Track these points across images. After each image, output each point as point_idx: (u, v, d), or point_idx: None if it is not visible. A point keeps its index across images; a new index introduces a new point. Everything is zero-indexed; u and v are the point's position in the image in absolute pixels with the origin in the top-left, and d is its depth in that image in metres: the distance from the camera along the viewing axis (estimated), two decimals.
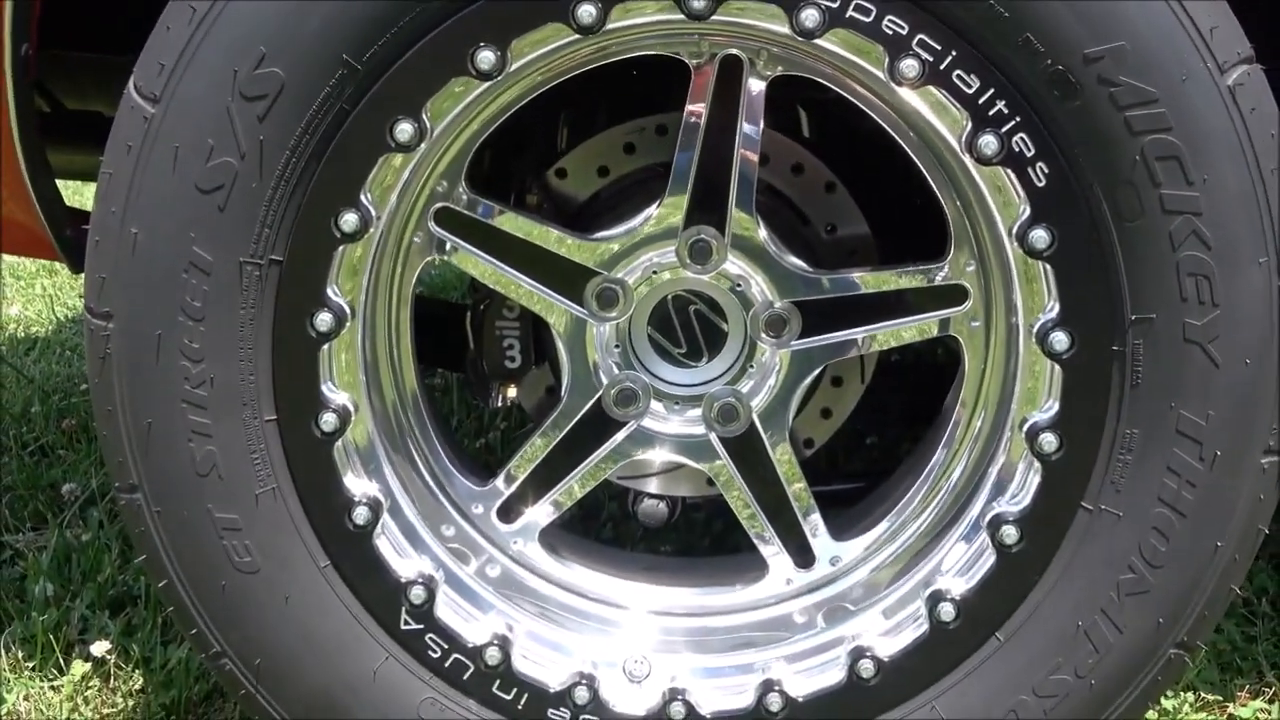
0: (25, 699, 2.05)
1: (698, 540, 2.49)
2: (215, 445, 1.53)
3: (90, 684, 2.08)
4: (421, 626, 1.61)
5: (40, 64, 1.71)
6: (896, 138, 1.55)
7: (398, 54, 1.43)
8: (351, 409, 1.58)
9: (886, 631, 1.64)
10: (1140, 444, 1.50)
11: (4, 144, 1.68)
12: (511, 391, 1.93)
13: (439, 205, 1.59)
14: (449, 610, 1.63)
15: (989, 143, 1.45)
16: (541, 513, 1.73)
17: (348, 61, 1.43)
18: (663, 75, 1.66)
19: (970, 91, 1.44)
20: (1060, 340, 1.50)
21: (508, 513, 1.73)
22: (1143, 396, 1.49)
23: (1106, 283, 1.47)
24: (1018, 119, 1.44)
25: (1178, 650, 1.56)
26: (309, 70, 1.43)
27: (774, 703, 1.61)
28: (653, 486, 1.91)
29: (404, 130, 1.47)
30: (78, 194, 4.29)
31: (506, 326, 1.86)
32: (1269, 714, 2.00)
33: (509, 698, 1.62)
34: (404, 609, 1.60)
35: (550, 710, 1.62)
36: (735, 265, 1.62)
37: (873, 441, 2.80)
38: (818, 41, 1.45)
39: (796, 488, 1.70)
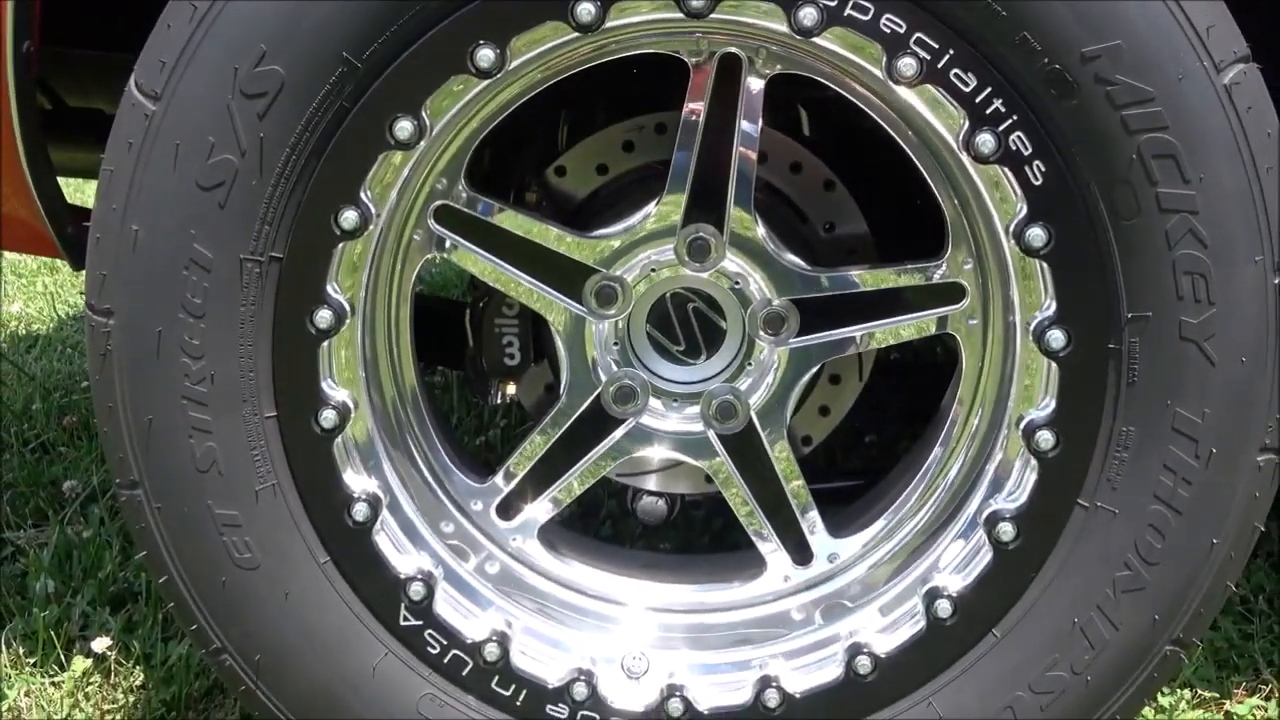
0: (26, 695, 2.05)
1: (697, 538, 2.49)
2: (215, 442, 1.53)
3: (91, 680, 2.09)
4: (420, 622, 1.62)
5: (42, 61, 1.72)
6: (895, 136, 1.56)
7: (397, 52, 1.44)
8: (351, 406, 1.59)
9: (884, 628, 1.64)
10: (1136, 442, 1.51)
11: (6, 141, 1.68)
12: (511, 389, 1.93)
13: (439, 203, 1.60)
14: (448, 606, 1.64)
15: (986, 141, 1.45)
16: (540, 510, 1.74)
17: (348, 59, 1.43)
18: (662, 73, 1.67)
19: (968, 90, 1.44)
20: (1057, 338, 1.51)
21: (507, 509, 1.73)
22: (1139, 394, 1.50)
23: (1103, 281, 1.47)
24: (1015, 117, 1.44)
25: (1174, 647, 1.57)
26: (309, 68, 1.44)
27: (771, 699, 1.62)
28: (651, 484, 1.92)
29: (404, 128, 1.47)
30: (79, 191, 4.29)
31: (506, 324, 1.86)
32: (1265, 711, 2.00)
33: (508, 694, 1.63)
34: (403, 605, 1.61)
35: (549, 706, 1.63)
36: (734, 263, 1.63)
37: (871, 440, 2.81)
38: (816, 40, 1.45)
39: (794, 485, 1.71)
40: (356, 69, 1.44)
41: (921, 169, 1.56)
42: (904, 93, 1.47)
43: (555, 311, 1.65)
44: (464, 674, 1.62)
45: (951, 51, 1.43)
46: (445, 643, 1.62)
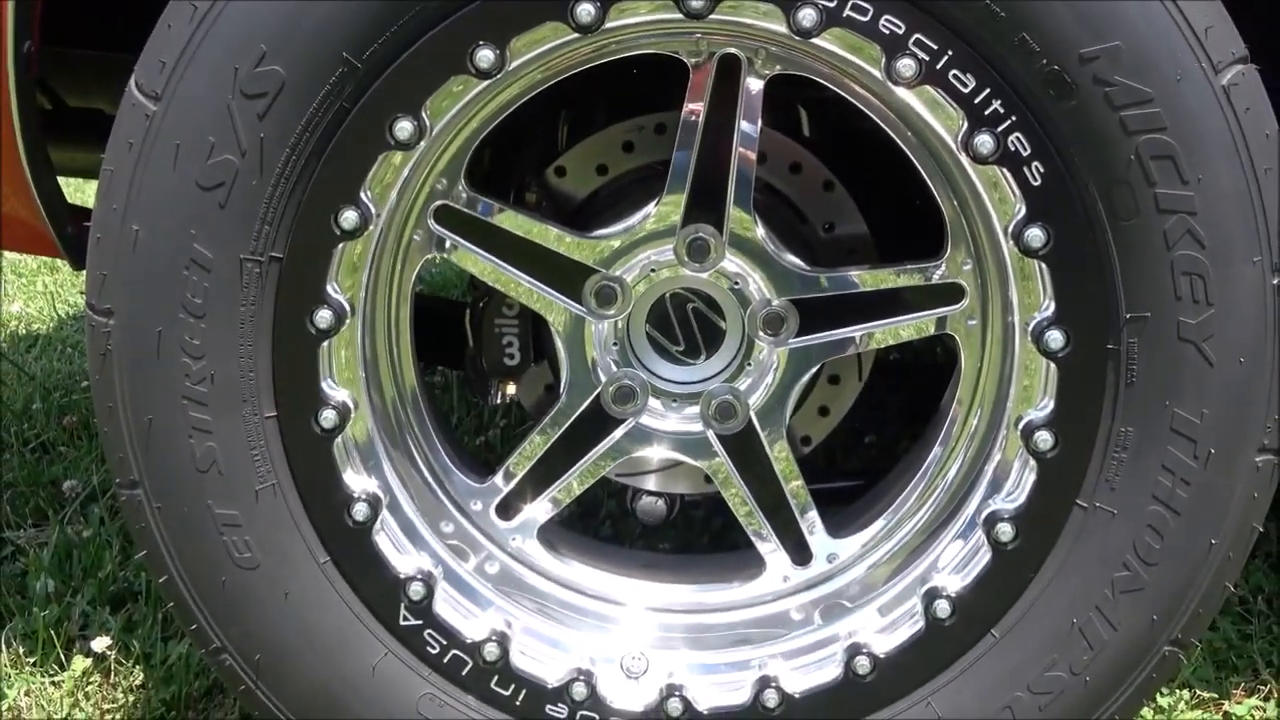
0: (26, 694, 2.05)
1: (696, 538, 2.49)
2: (215, 441, 1.54)
3: (91, 680, 2.09)
4: (420, 622, 1.62)
5: (42, 61, 1.72)
6: (894, 136, 1.56)
7: (397, 52, 1.44)
8: (351, 406, 1.59)
9: (883, 628, 1.64)
10: (1135, 442, 1.51)
11: (6, 141, 1.68)
12: (510, 389, 1.94)
13: (439, 203, 1.60)
14: (448, 606, 1.64)
15: (985, 142, 1.46)
16: (540, 509, 1.74)
17: (348, 60, 1.44)
18: (661, 74, 1.67)
19: (966, 91, 1.44)
20: (1056, 339, 1.51)
21: (506, 509, 1.73)
22: (1137, 395, 1.50)
23: (1101, 281, 1.47)
24: (1014, 118, 1.44)
25: (1172, 647, 1.57)
26: (309, 68, 1.44)
27: (770, 699, 1.62)
28: (651, 484, 1.92)
29: (404, 128, 1.47)
30: (79, 191, 4.30)
31: (505, 324, 1.86)
32: (1264, 711, 2.01)
33: (507, 694, 1.63)
34: (403, 605, 1.61)
35: (548, 706, 1.63)
36: (733, 263, 1.63)
37: (871, 440, 2.81)
38: (815, 41, 1.46)
39: (794, 485, 1.71)
40: (357, 69, 1.44)
41: (920, 170, 1.56)
42: (903, 93, 1.47)
43: (555, 312, 1.65)
44: (464, 674, 1.62)
45: (950, 52, 1.43)
46: (445, 642, 1.62)
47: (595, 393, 1.68)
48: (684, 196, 1.60)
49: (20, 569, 2.42)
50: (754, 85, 1.56)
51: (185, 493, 1.55)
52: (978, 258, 1.59)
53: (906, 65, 1.44)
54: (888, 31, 1.43)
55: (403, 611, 1.61)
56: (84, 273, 1.55)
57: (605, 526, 2.56)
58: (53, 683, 2.09)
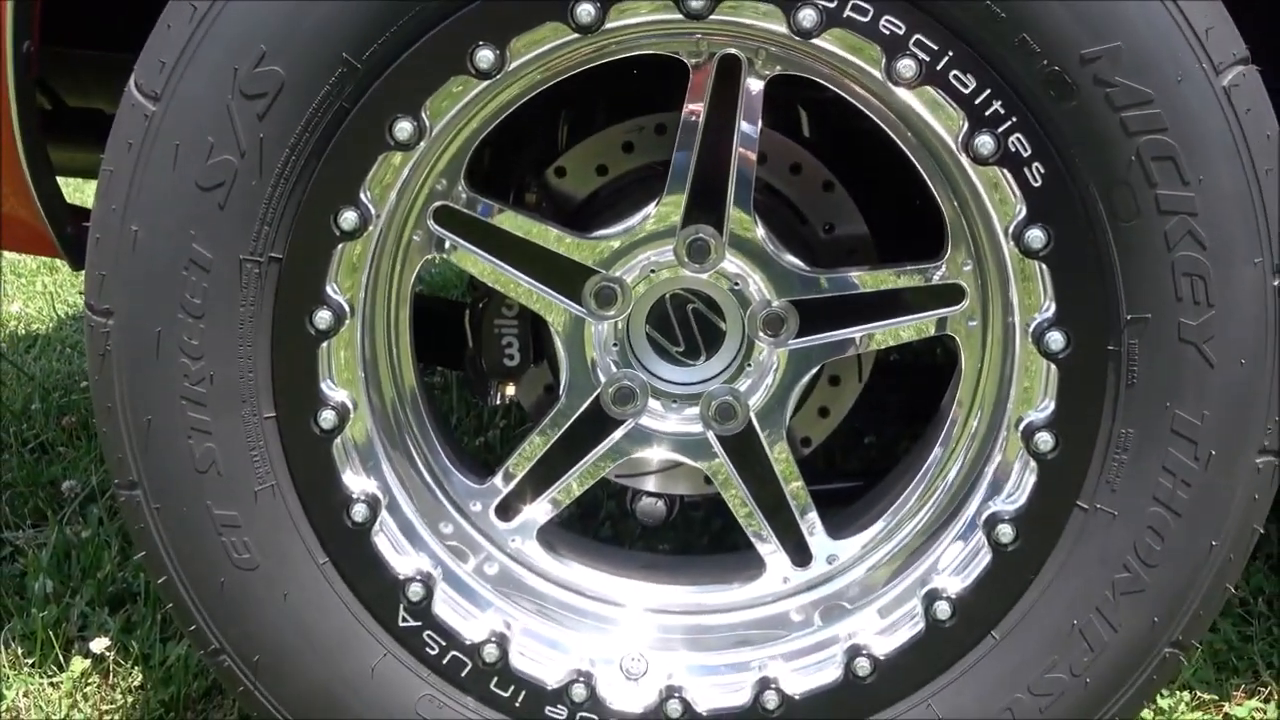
0: (25, 695, 2.05)
1: (696, 539, 2.49)
2: (214, 442, 1.53)
3: (90, 681, 2.09)
4: (419, 623, 1.62)
5: (42, 61, 1.72)
6: (894, 137, 1.56)
7: (397, 53, 1.44)
8: (350, 406, 1.59)
9: (883, 630, 1.64)
10: (1135, 443, 1.51)
11: (5, 141, 1.68)
12: (510, 389, 1.93)
13: (438, 203, 1.60)
14: (447, 607, 1.64)
15: (985, 142, 1.45)
16: (539, 510, 1.74)
17: (347, 60, 1.44)
18: (661, 75, 1.67)
19: (967, 91, 1.44)
20: (1056, 340, 1.51)
21: (506, 510, 1.73)
22: (1138, 396, 1.50)
23: (1102, 282, 1.47)
24: (1014, 119, 1.44)
25: (1173, 649, 1.56)
26: (309, 68, 1.44)
27: (770, 700, 1.62)
28: (651, 485, 1.91)
29: (403, 128, 1.47)
30: (78, 191, 4.29)
31: (505, 325, 1.86)
32: (1264, 713, 2.00)
33: (506, 695, 1.63)
34: (402, 606, 1.61)
35: (548, 708, 1.63)
36: (733, 264, 1.63)
37: (871, 441, 2.81)
38: (815, 41, 1.45)
39: (794, 486, 1.71)
40: (356, 69, 1.44)
41: (921, 170, 1.56)
42: (903, 94, 1.47)
43: (555, 312, 1.65)
44: (463, 675, 1.62)
45: (951, 53, 1.43)
46: (444, 644, 1.62)
47: (595, 394, 1.68)
48: (684, 197, 1.59)
49: (19, 569, 2.42)
50: (754, 86, 1.56)
51: (184, 493, 1.55)
52: (978, 259, 1.59)
53: (907, 66, 1.44)
54: (888, 32, 1.43)
55: (402, 612, 1.61)
56: (83, 273, 1.55)
57: (605, 528, 2.55)
58: (51, 684, 2.08)
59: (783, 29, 1.45)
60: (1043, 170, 1.45)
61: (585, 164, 1.86)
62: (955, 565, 1.62)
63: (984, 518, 1.60)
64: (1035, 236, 1.48)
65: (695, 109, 1.57)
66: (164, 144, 1.46)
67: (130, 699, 2.05)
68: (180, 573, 1.57)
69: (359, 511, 1.59)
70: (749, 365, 1.68)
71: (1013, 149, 1.45)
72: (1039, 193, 1.46)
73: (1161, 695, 2.01)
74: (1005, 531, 1.57)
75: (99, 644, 2.12)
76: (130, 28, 1.65)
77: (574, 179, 1.86)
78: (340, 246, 1.52)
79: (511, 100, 1.55)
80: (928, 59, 1.44)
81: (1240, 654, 2.13)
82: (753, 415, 1.68)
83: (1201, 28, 1.41)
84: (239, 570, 1.57)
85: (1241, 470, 1.51)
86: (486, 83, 1.47)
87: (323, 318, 1.53)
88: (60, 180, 1.86)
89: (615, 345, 1.68)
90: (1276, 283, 1.46)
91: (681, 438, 1.72)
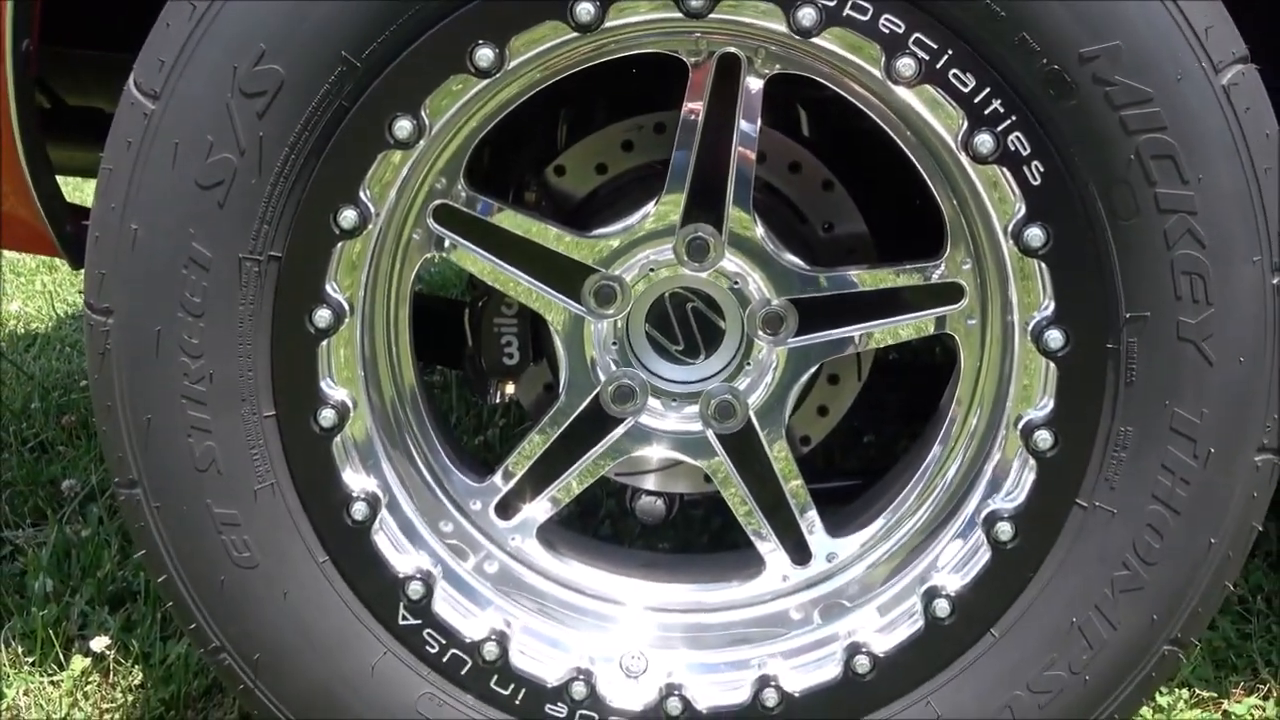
0: (25, 694, 2.05)
1: (695, 538, 2.49)
2: (214, 441, 1.54)
3: (90, 679, 2.09)
4: (419, 622, 1.62)
5: (41, 60, 1.72)
6: (893, 136, 1.56)
7: (396, 51, 1.44)
8: (350, 405, 1.59)
9: (882, 628, 1.64)
10: (1135, 441, 1.51)
11: (5, 140, 1.68)
12: (510, 388, 1.94)
13: (438, 202, 1.60)
14: (447, 606, 1.64)
15: (985, 141, 1.46)
16: (539, 509, 1.74)
17: (347, 59, 1.44)
18: (661, 73, 1.67)
19: (966, 90, 1.44)
20: (1055, 338, 1.51)
21: (506, 509, 1.73)
22: (1137, 394, 1.50)
23: (1101, 281, 1.47)
24: (1013, 118, 1.44)
25: (1172, 646, 1.57)
26: (308, 67, 1.44)
27: (770, 698, 1.62)
28: (650, 483, 1.92)
29: (403, 127, 1.47)
30: (77, 191, 4.29)
31: (505, 323, 1.86)
32: (1263, 710, 2.01)
33: (506, 693, 1.63)
34: (402, 604, 1.61)
35: (548, 705, 1.63)
36: (733, 263, 1.63)
37: (870, 440, 2.81)
38: (815, 40, 1.45)
39: (793, 485, 1.71)
40: (356, 68, 1.44)
41: (920, 169, 1.56)
42: (903, 93, 1.47)
43: (554, 311, 1.65)
44: (463, 673, 1.62)
45: (950, 52, 1.43)
46: (444, 642, 1.62)
47: (594, 392, 1.68)
48: (683, 196, 1.60)
49: (19, 568, 2.42)
50: (753, 84, 1.56)
51: (184, 492, 1.55)
52: (977, 257, 1.59)
53: (906, 65, 1.44)
54: (887, 31, 1.43)
55: (402, 611, 1.61)
56: (83, 272, 1.55)
57: (605, 526, 2.56)
58: (51, 682, 2.08)
59: (782, 28, 1.45)
60: (1042, 169, 1.45)
61: (585, 163, 1.86)
62: (954, 563, 1.62)
63: (983, 515, 1.60)
64: (1034, 235, 1.48)
65: (695, 108, 1.57)
66: (163, 142, 1.46)
67: (131, 697, 2.05)
68: (180, 571, 1.57)
69: (359, 510, 1.59)
70: (748, 364, 1.69)
71: (1012, 148, 1.45)
72: (1038, 191, 1.46)
73: (1160, 693, 2.01)
74: (1004, 529, 1.57)
75: (99, 643, 2.12)
76: (129, 27, 1.65)
77: (573, 178, 1.86)
78: (340, 245, 1.52)
79: (511, 99, 1.55)
80: (927, 58, 1.44)
81: (1239, 651, 2.13)
82: (752, 414, 1.68)
83: (1201, 26, 1.41)
84: (239, 568, 1.57)
85: (1240, 468, 1.51)
86: (486, 81, 1.48)
87: (322, 316, 1.53)
88: (59, 179, 1.86)
89: (615, 344, 1.68)
90: (1275, 281, 1.46)
91: (681, 436, 1.72)
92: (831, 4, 1.43)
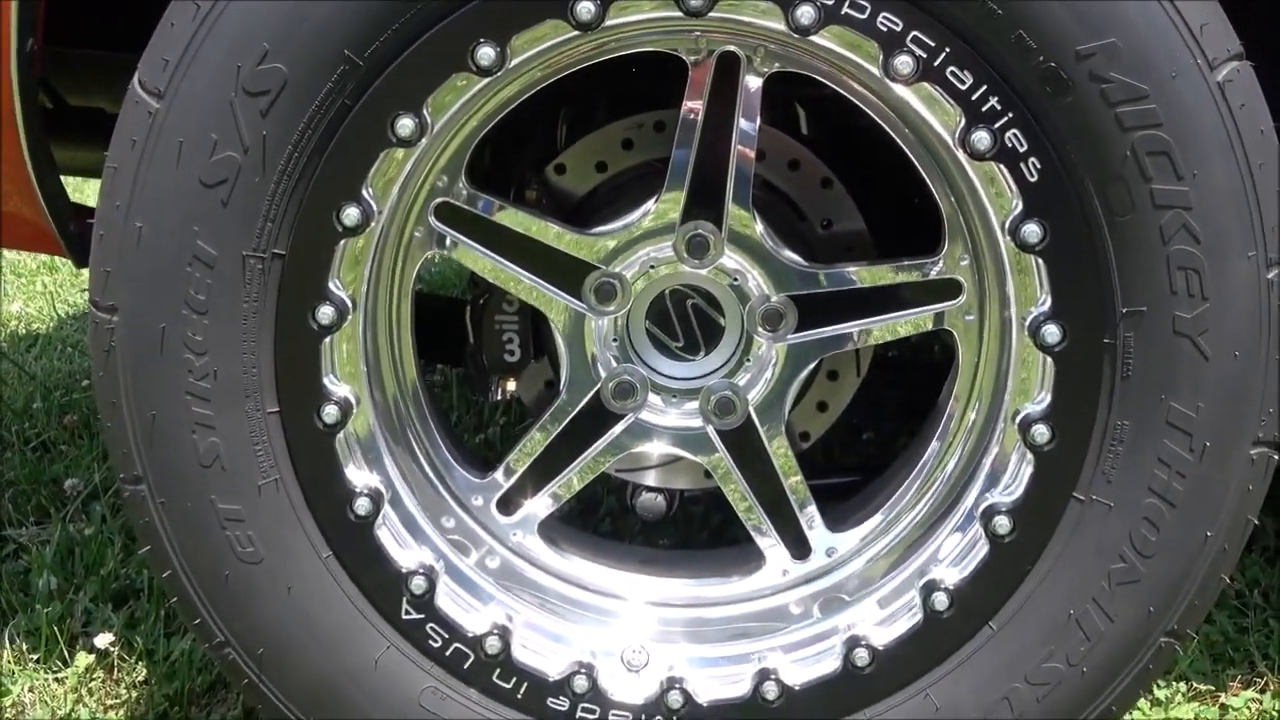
0: (30, 691, 2.06)
1: (695, 534, 2.51)
2: (218, 437, 1.55)
3: (94, 676, 2.10)
4: (422, 616, 1.63)
5: (43, 61, 1.73)
6: (891, 133, 1.57)
7: (399, 50, 1.45)
8: (353, 401, 1.60)
9: (881, 621, 1.65)
10: (1131, 435, 1.52)
11: (9, 140, 1.69)
12: (511, 385, 1.95)
13: (439, 200, 1.61)
14: (449, 600, 1.65)
15: (982, 138, 1.47)
16: (540, 505, 1.75)
17: (349, 58, 1.45)
18: (661, 72, 1.68)
19: (964, 88, 1.45)
20: (1052, 333, 1.52)
21: (507, 505, 1.74)
22: (1133, 388, 1.51)
23: (1098, 276, 1.49)
24: (1010, 115, 1.45)
25: (1168, 639, 1.58)
26: (311, 66, 1.45)
27: (770, 691, 1.63)
28: (651, 479, 1.93)
29: (405, 125, 1.48)
30: (77, 191, 4.30)
31: (506, 321, 1.87)
32: (1260, 703, 2.02)
33: (509, 687, 1.64)
34: (405, 599, 1.62)
35: (550, 699, 1.64)
36: (732, 260, 1.64)
37: (869, 437, 2.82)
38: (813, 38, 1.47)
39: (793, 480, 1.72)
40: (358, 67, 1.45)
41: (918, 166, 1.57)
42: (901, 90, 1.48)
43: (555, 308, 1.66)
44: (465, 667, 1.64)
45: (948, 49, 1.44)
46: (447, 636, 1.63)
47: (595, 388, 1.69)
48: (683, 193, 1.60)
49: (23, 566, 2.43)
50: (753, 83, 1.57)
51: (188, 488, 1.56)
52: (975, 254, 1.60)
53: (904, 62, 1.45)
54: (885, 29, 1.44)
55: (405, 605, 1.62)
56: (84, 272, 1.56)
57: (605, 523, 2.57)
58: (56, 679, 2.10)
59: (781, 26, 1.47)
60: (1039, 165, 1.47)
61: (585, 161, 1.87)
62: (953, 557, 1.63)
63: (981, 509, 1.61)
64: (1031, 231, 1.49)
65: (694, 106, 1.58)
66: (168, 141, 1.47)
67: (134, 694, 2.07)
68: (185, 566, 1.58)
69: (362, 505, 1.60)
70: (748, 360, 1.70)
71: (1009, 144, 1.46)
72: (1035, 188, 1.48)
73: (1158, 686, 2.02)
74: (1002, 523, 1.58)
75: (103, 639, 2.13)
76: (130, 28, 1.67)
77: (574, 176, 1.87)
78: (343, 242, 1.53)
79: (512, 97, 1.56)
80: (925, 55, 1.45)
81: (1236, 645, 2.15)
82: (752, 410, 1.69)
83: (1196, 24, 1.42)
84: (243, 564, 1.58)
85: (1236, 462, 1.52)
86: (487, 80, 1.49)
87: (325, 313, 1.55)
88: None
89: (615, 340, 1.69)
90: (1270, 276, 1.47)
91: (681, 432, 1.73)
92: (830, 2, 1.44)
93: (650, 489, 1.94)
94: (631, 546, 2.22)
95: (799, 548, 1.74)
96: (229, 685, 2.04)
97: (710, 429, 1.70)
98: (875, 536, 1.73)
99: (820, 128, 1.95)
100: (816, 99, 1.85)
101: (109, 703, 2.05)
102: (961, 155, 1.49)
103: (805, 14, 1.44)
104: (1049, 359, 1.54)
